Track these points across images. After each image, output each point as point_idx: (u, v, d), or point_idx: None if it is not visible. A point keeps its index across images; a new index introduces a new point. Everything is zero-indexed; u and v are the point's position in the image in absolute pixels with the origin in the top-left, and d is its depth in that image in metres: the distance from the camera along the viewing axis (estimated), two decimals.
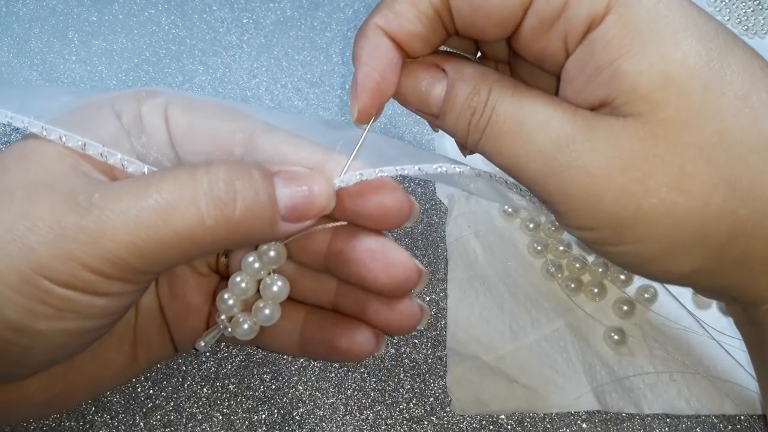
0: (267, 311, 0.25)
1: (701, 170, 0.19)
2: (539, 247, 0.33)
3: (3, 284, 0.18)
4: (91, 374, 0.24)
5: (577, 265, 0.33)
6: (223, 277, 0.27)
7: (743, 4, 0.41)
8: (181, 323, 0.27)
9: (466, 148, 0.24)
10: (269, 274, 0.25)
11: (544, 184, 0.21)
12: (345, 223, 0.24)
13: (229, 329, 0.25)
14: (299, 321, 0.26)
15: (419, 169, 0.22)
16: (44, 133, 0.21)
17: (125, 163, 0.21)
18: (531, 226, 0.33)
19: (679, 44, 0.19)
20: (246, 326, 0.25)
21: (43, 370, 0.22)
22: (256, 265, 0.24)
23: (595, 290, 0.32)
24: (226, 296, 0.25)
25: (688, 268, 0.21)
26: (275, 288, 0.24)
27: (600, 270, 0.33)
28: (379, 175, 0.22)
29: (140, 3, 0.39)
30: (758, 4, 0.41)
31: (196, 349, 0.26)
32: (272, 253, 0.24)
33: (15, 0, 0.38)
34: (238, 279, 0.24)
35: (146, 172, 0.21)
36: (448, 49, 0.24)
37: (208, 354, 0.31)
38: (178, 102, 0.23)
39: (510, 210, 0.34)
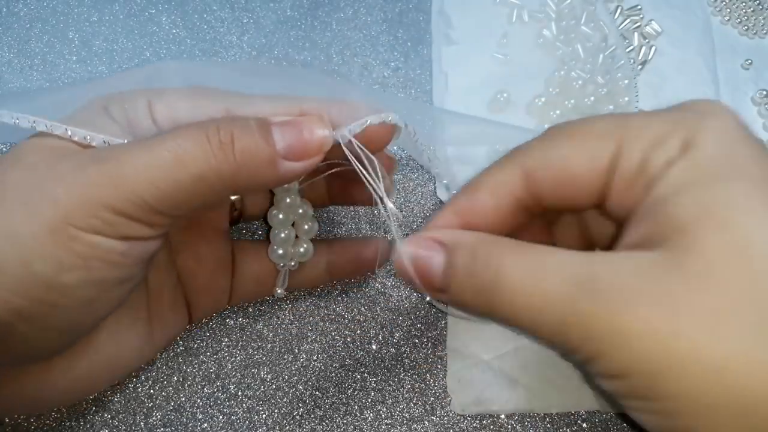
0: (305, 246, 0.30)
1: (742, 316, 0.17)
2: None
3: (32, 238, 0.20)
4: (109, 354, 0.26)
5: None
6: (234, 221, 0.31)
7: (743, 4, 0.41)
8: (202, 294, 0.29)
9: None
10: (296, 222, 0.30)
11: (567, 331, 0.19)
12: (342, 165, 0.25)
13: (292, 263, 0.30)
14: (324, 252, 0.31)
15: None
16: (51, 129, 0.22)
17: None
18: None
19: (731, 185, 0.18)
20: (302, 249, 0.30)
21: (68, 342, 0.23)
22: (281, 216, 0.29)
23: None
24: (274, 211, 0.29)
25: None
26: (306, 227, 0.30)
27: None
28: (389, 120, 0.24)
29: (140, 3, 0.39)
30: (758, 4, 0.41)
31: (274, 296, 0.31)
32: (288, 200, 0.29)
33: (15, 0, 0.38)
34: (275, 212, 0.29)
35: None
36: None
37: (208, 353, 0.31)
38: (158, 97, 0.24)
39: None
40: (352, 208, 0.35)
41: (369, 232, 0.34)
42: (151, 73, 0.27)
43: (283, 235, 0.29)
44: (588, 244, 0.26)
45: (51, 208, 0.20)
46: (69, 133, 0.22)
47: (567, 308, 0.18)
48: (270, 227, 0.30)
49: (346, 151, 0.24)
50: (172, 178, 0.21)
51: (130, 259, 0.22)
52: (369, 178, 0.24)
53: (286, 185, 0.28)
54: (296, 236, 0.30)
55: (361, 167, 0.24)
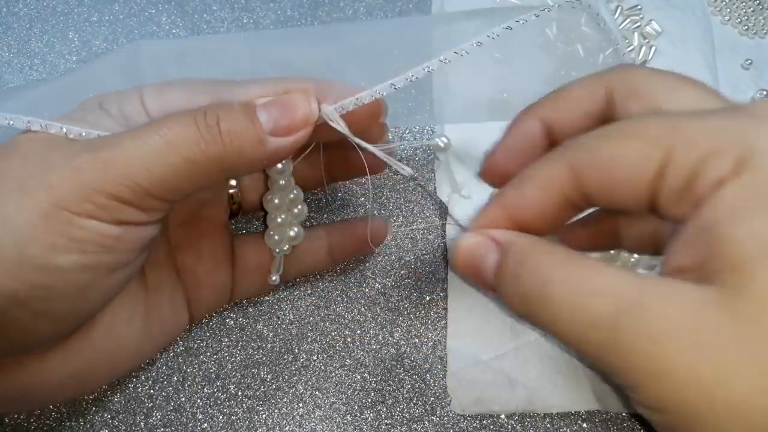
0: (296, 229, 0.30)
1: None
2: None
3: (26, 222, 0.20)
4: (106, 350, 0.26)
5: None
6: (234, 213, 0.31)
7: (743, 4, 0.41)
8: (203, 290, 0.29)
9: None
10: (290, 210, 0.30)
11: (608, 355, 0.18)
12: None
13: (286, 248, 0.30)
14: (323, 236, 0.31)
15: (412, 76, 0.24)
16: (46, 128, 0.23)
17: None
18: None
19: None
20: (293, 233, 0.30)
21: (63, 330, 0.23)
22: (276, 201, 0.29)
23: None
24: (269, 196, 0.29)
25: None
26: (296, 210, 0.30)
27: None
28: (378, 96, 0.24)
29: (140, 3, 0.39)
30: (758, 4, 0.41)
31: (273, 284, 0.31)
32: (279, 165, 0.28)
33: (15, 0, 0.38)
34: (270, 197, 0.29)
35: None
36: None
37: (208, 353, 0.31)
38: (150, 91, 0.24)
39: None
40: (348, 196, 0.35)
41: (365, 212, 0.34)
42: (129, 53, 0.28)
43: (279, 219, 0.29)
44: (656, 240, 0.26)
45: (44, 193, 0.20)
46: (64, 131, 0.23)
47: (609, 334, 0.18)
48: (266, 213, 0.30)
49: (336, 124, 0.24)
50: (164, 161, 0.21)
51: (124, 244, 0.22)
52: (358, 142, 0.25)
53: (280, 166, 0.28)
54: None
55: (355, 138, 0.24)
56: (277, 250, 0.30)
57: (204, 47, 0.30)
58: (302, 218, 0.30)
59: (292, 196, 0.30)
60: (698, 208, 0.18)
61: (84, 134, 0.23)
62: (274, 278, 0.30)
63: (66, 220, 0.21)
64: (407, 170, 0.26)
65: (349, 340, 0.32)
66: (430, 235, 0.35)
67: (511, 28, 0.24)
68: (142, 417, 0.30)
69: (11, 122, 0.23)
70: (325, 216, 0.34)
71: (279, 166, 0.28)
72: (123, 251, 0.23)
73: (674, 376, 0.17)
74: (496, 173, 0.25)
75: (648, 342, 0.17)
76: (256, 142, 0.23)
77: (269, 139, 0.23)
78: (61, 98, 0.25)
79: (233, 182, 0.30)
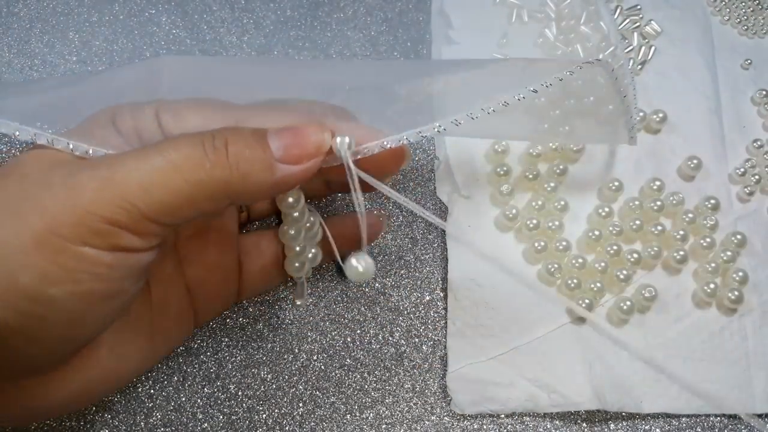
0: (314, 250, 0.30)
1: None
2: (539, 246, 0.33)
3: (18, 250, 0.20)
4: (109, 368, 0.25)
5: (577, 265, 0.33)
6: (242, 222, 0.31)
7: (743, 4, 0.41)
8: (211, 301, 0.29)
9: None
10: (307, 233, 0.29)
11: None
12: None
13: (306, 270, 0.30)
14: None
15: (439, 126, 0.23)
16: (52, 143, 0.22)
17: None
18: (531, 225, 0.33)
19: None
20: (310, 255, 0.30)
21: (63, 355, 0.23)
22: (292, 232, 0.29)
23: (595, 290, 0.32)
24: (285, 228, 0.29)
25: None
26: (310, 234, 0.29)
27: (600, 269, 0.33)
28: (405, 142, 0.23)
29: (140, 3, 0.39)
30: (758, 4, 0.41)
31: (298, 305, 0.31)
32: (291, 200, 0.27)
33: (15, 0, 0.38)
34: (285, 228, 0.29)
35: None
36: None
37: (208, 353, 0.31)
38: (166, 108, 0.24)
39: (511, 214, 0.34)
40: (347, 195, 0.35)
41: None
42: (152, 67, 0.27)
43: (297, 248, 0.29)
44: None
45: (38, 218, 0.20)
46: (71, 147, 0.22)
47: None
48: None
49: (348, 167, 0.23)
50: (166, 184, 0.20)
51: (118, 272, 0.21)
52: (357, 200, 0.24)
53: (291, 200, 0.27)
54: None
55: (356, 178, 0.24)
56: (300, 277, 0.30)
57: (227, 70, 0.29)
58: (317, 239, 0.30)
59: (308, 225, 0.29)
60: None
61: (91, 152, 0.22)
62: (299, 303, 0.30)
63: (59, 247, 0.20)
64: (438, 221, 0.26)
65: (349, 340, 0.32)
66: (429, 234, 0.35)
67: (536, 92, 0.23)
68: (142, 417, 0.30)
69: (17, 133, 0.22)
70: (325, 215, 0.34)
71: (290, 200, 0.27)
72: (116, 279, 0.21)
73: None
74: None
75: None
76: (264, 167, 0.22)
77: (278, 166, 0.22)
78: (74, 108, 0.24)
79: None
